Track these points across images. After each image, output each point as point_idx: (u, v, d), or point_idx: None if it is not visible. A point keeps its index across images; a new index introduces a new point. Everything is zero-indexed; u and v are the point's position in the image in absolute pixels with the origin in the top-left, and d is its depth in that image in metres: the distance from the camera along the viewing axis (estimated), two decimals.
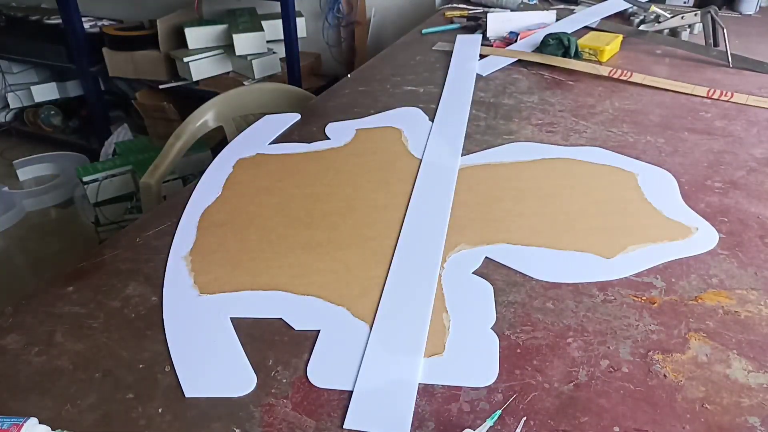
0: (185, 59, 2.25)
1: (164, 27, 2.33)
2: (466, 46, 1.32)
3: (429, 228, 0.79)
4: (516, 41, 1.50)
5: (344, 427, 0.52)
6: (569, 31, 1.45)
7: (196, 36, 2.28)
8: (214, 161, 0.98)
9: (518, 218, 0.81)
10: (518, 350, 0.60)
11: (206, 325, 0.64)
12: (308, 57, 2.49)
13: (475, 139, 1.02)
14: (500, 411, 0.53)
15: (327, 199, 0.86)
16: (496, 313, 0.65)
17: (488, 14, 1.61)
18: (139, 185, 1.27)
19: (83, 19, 2.47)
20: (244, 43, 2.21)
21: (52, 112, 2.83)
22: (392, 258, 0.73)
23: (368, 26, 2.68)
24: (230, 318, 0.64)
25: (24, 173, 2.63)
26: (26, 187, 2.56)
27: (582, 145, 1.00)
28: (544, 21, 1.60)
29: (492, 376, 0.57)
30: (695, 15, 1.43)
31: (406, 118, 1.04)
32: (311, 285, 0.69)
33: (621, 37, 1.47)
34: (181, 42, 2.31)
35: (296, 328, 0.63)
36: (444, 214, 0.82)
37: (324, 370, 0.58)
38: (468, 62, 1.24)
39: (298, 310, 0.65)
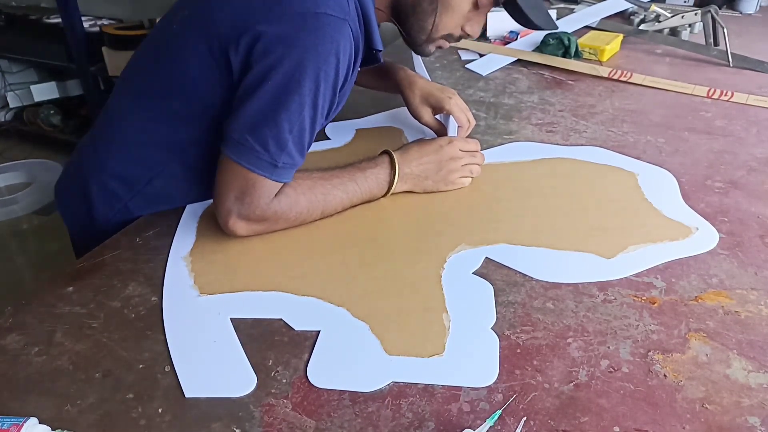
0: None
1: None
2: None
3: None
4: (516, 40, 1.50)
5: None
6: (569, 31, 1.45)
7: None
8: None
9: (518, 218, 0.81)
10: (518, 350, 0.60)
11: (206, 325, 0.64)
12: None
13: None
14: (500, 411, 0.53)
15: None
16: (496, 313, 0.65)
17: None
18: None
19: (83, 18, 2.47)
20: None
21: (52, 112, 2.82)
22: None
23: None
24: (230, 318, 0.64)
25: None
26: None
27: (582, 144, 1.00)
28: None
29: (492, 376, 0.57)
30: (695, 14, 1.43)
31: (406, 118, 1.04)
32: (311, 285, 0.69)
33: (621, 36, 1.47)
34: None
35: (296, 329, 0.63)
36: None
37: (324, 370, 0.58)
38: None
39: (298, 311, 0.65)
